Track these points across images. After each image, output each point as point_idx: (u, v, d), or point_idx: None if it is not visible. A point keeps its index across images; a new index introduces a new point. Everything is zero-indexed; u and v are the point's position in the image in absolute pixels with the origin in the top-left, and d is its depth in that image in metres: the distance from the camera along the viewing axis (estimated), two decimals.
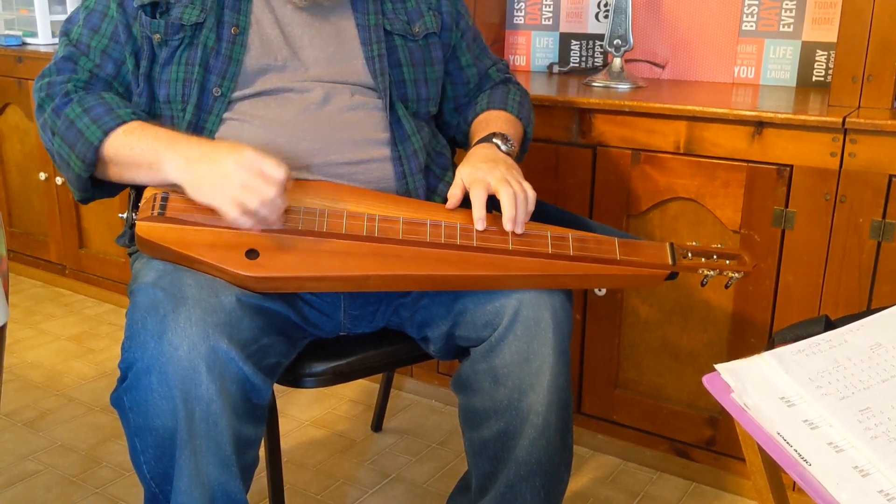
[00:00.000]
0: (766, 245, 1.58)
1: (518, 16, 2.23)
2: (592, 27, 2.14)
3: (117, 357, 1.11)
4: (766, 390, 0.89)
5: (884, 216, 1.47)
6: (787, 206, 1.55)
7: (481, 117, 1.43)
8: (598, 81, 1.90)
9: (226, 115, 1.26)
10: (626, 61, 1.99)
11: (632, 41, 1.90)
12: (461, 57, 1.47)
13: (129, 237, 1.30)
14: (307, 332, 1.31)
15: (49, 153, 1.26)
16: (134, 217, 1.16)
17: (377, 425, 1.99)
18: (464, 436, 1.27)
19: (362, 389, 2.18)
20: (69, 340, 2.46)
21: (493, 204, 1.21)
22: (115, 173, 1.21)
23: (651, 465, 1.83)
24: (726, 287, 1.31)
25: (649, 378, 1.79)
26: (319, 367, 1.32)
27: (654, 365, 1.77)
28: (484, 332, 1.20)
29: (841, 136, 1.48)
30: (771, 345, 0.99)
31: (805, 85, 1.89)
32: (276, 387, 1.28)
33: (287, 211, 1.16)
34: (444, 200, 1.35)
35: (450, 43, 1.44)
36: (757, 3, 1.91)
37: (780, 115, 1.51)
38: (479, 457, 1.23)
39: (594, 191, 1.75)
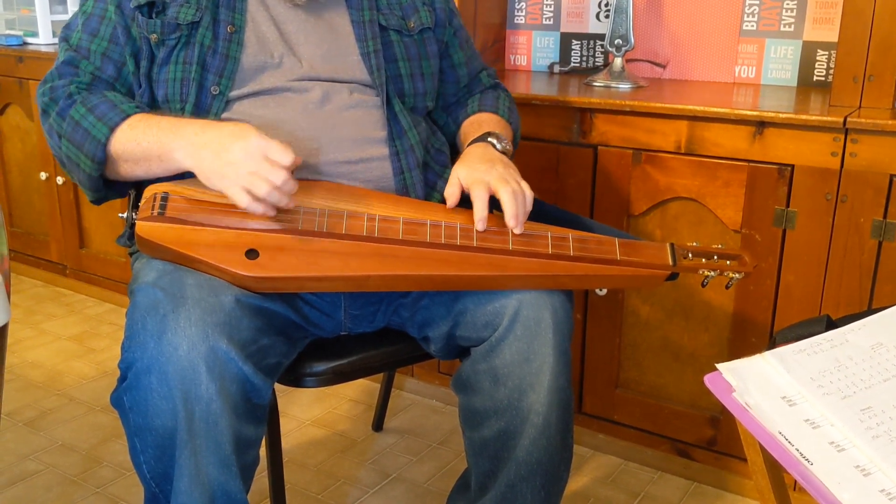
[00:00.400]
0: (767, 245, 1.58)
1: (519, 15, 2.23)
2: (593, 27, 2.14)
3: (118, 357, 1.11)
4: (767, 390, 0.89)
5: (885, 216, 1.47)
6: (788, 205, 1.55)
7: (472, 118, 1.43)
8: (599, 81, 1.90)
9: (225, 115, 1.26)
10: (627, 61, 1.99)
11: (633, 41, 1.90)
12: (453, 55, 1.47)
13: (130, 237, 1.30)
14: (308, 332, 1.31)
15: (58, 159, 1.26)
16: (134, 217, 1.16)
17: (378, 425, 1.99)
18: (464, 435, 1.27)
19: (363, 389, 2.18)
20: (70, 340, 2.46)
21: (492, 204, 1.20)
22: (127, 169, 1.21)
23: (652, 464, 1.83)
24: (727, 287, 1.31)
25: (650, 378, 1.79)
26: (320, 366, 1.32)
27: (655, 365, 1.77)
28: (484, 332, 1.20)
29: (842, 136, 1.48)
30: (772, 344, 0.99)
31: (806, 85, 1.89)
32: (277, 386, 1.28)
33: (287, 211, 1.16)
34: (444, 198, 1.35)
35: (443, 39, 1.44)
36: (758, 2, 1.91)
37: (781, 115, 1.51)
38: (479, 456, 1.23)
39: (595, 190, 1.75)
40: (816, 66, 1.87)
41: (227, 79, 1.25)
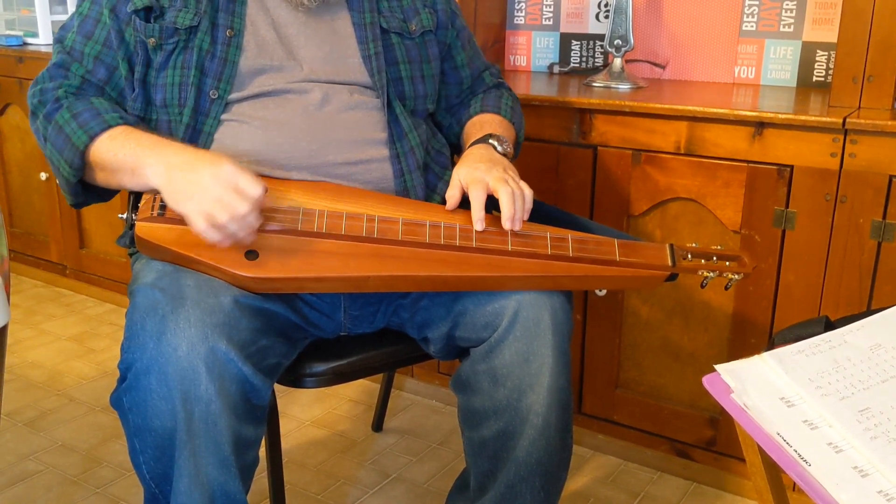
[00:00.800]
0: (767, 245, 1.58)
1: (518, 16, 2.23)
2: (593, 27, 2.14)
3: (118, 357, 1.11)
4: (765, 391, 0.89)
5: (884, 216, 1.47)
6: (787, 206, 1.55)
7: (475, 119, 1.43)
8: (599, 81, 1.90)
9: (224, 116, 1.26)
10: (627, 61, 1.99)
11: (632, 41, 1.90)
12: (456, 56, 1.47)
13: (130, 238, 1.30)
14: (307, 333, 1.31)
15: (46, 158, 1.27)
16: (133, 218, 1.16)
17: (378, 425, 1.99)
18: (463, 435, 1.27)
19: (363, 389, 2.18)
20: (70, 340, 2.47)
21: (492, 204, 1.21)
22: (103, 178, 1.22)
23: (651, 465, 1.83)
24: (726, 288, 1.31)
25: (650, 378, 1.79)
26: (320, 367, 1.32)
27: (654, 365, 1.77)
28: (484, 332, 1.20)
29: (841, 137, 1.48)
30: (771, 345, 0.99)
31: (805, 85, 1.89)
32: (277, 387, 1.28)
33: (286, 212, 1.16)
34: (444, 200, 1.35)
35: (445, 41, 1.44)
36: (757, 3, 1.91)
37: (780, 116, 1.51)
38: (478, 456, 1.23)
39: (594, 191, 1.75)
40: (816, 66, 1.87)
41: (226, 83, 1.25)
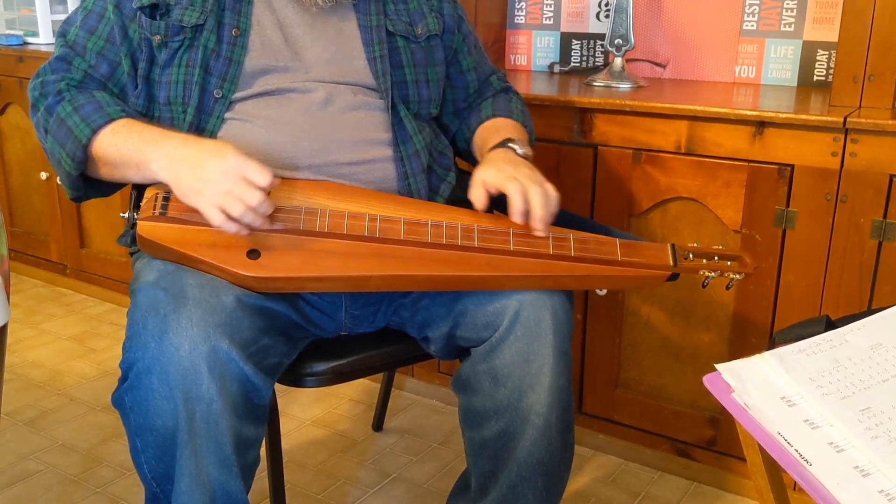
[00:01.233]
0: (768, 245, 1.58)
1: (519, 15, 2.23)
2: (593, 27, 2.14)
3: (118, 357, 1.11)
4: (766, 390, 0.89)
5: (885, 216, 1.47)
6: (788, 205, 1.55)
7: (489, 124, 1.43)
8: (599, 81, 1.90)
9: (227, 115, 1.26)
10: (627, 61, 1.99)
11: (633, 41, 1.90)
12: (462, 61, 1.47)
13: (131, 237, 1.30)
14: (308, 332, 1.31)
15: (45, 152, 1.27)
16: (135, 216, 1.16)
17: (378, 425, 1.99)
18: (464, 435, 1.27)
19: (363, 389, 2.18)
20: (70, 340, 2.47)
21: (492, 205, 1.21)
22: (107, 172, 1.21)
23: (652, 464, 1.83)
24: (727, 288, 1.31)
25: (650, 378, 1.79)
26: (320, 366, 1.32)
27: (655, 365, 1.77)
28: (484, 332, 1.20)
29: (842, 136, 1.48)
30: (772, 344, 0.99)
31: (806, 85, 1.89)
32: (277, 386, 1.28)
33: (288, 211, 1.16)
34: (447, 201, 1.36)
35: (451, 45, 1.44)
36: (758, 2, 1.91)
37: (781, 115, 1.51)
38: (478, 456, 1.23)
39: (595, 190, 1.75)
40: (816, 65, 1.87)
41: (230, 83, 1.25)
